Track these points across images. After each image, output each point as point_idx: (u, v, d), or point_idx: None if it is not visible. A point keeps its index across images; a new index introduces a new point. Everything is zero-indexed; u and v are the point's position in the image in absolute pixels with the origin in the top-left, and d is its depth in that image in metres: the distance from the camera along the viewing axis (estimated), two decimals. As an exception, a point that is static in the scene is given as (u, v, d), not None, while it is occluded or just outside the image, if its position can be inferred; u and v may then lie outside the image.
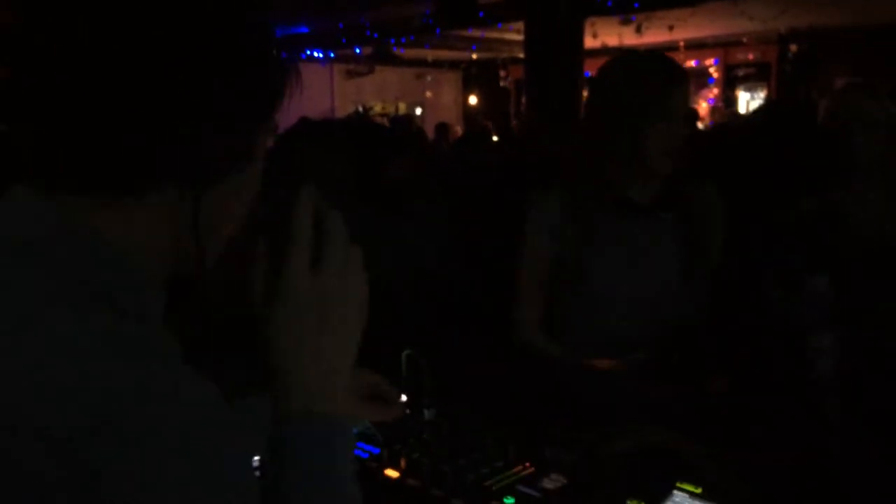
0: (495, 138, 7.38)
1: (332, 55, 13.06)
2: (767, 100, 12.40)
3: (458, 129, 11.07)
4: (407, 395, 1.54)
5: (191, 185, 0.69)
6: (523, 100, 9.33)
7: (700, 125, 9.19)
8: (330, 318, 0.75)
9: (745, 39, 12.85)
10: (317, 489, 0.72)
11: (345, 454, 0.76)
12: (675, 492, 1.15)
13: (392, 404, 1.19)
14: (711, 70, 13.97)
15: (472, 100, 16.89)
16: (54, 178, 0.67)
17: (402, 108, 16.24)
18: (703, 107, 13.49)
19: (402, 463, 1.29)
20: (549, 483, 1.22)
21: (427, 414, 1.48)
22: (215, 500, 0.62)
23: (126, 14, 0.65)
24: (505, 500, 1.17)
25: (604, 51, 12.04)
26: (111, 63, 0.64)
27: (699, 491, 1.14)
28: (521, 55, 7.78)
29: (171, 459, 0.59)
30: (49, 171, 0.68)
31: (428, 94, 16.87)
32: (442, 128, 9.78)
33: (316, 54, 12.60)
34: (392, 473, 1.27)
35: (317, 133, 2.56)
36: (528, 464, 1.28)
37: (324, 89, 15.27)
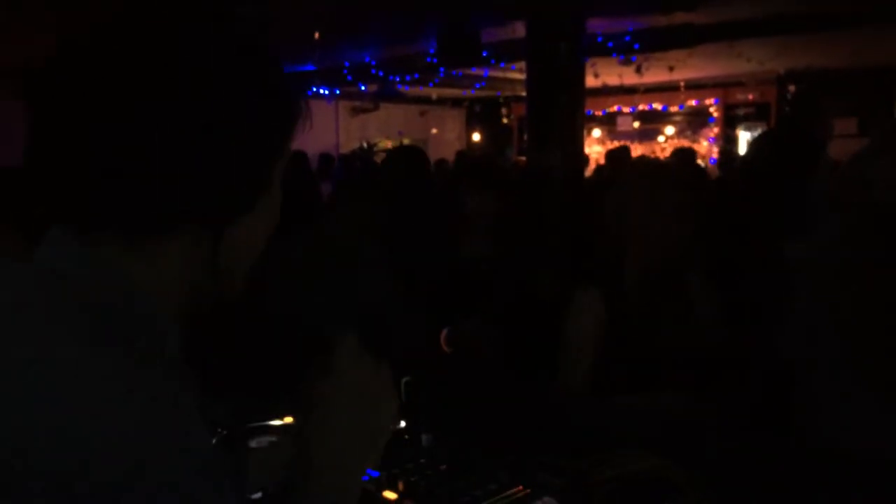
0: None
1: (337, 92, 13.25)
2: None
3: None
4: (405, 421, 1.60)
5: (211, 225, 0.74)
6: (525, 137, 9.45)
7: (700, 162, 9.31)
8: (360, 426, 0.84)
9: (744, 80, 13.02)
10: None
11: None
12: (660, 513, 1.20)
13: None
14: (712, 109, 14.14)
15: (476, 136, 17.08)
16: (85, 220, 0.72)
17: (407, 143, 16.43)
18: (703, 145, 13.65)
19: (400, 485, 1.34)
20: (541, 505, 1.27)
21: (425, 440, 1.53)
22: None
23: (145, 60, 0.69)
24: (497, 521, 1.22)
25: (605, 90, 12.25)
26: (133, 112, 0.68)
27: (683, 512, 1.20)
28: (524, 93, 7.90)
29: None
30: (79, 214, 0.72)
31: (432, 130, 17.06)
32: (441, 164, 9.90)
33: (322, 91, 12.78)
34: (390, 495, 1.33)
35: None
36: (520, 486, 1.33)
37: (329, 125, 15.47)
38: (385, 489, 1.33)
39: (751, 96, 13.55)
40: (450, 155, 12.92)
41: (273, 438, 1.54)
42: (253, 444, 1.51)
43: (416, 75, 11.02)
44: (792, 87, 12.08)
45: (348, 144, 15.11)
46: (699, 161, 9.40)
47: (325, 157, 8.78)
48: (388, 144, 16.11)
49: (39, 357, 0.63)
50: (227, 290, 0.80)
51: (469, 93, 14.46)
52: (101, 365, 0.63)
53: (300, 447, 0.83)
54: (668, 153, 13.06)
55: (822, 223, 1.73)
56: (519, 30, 7.60)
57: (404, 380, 1.61)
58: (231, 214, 0.75)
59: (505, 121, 16.04)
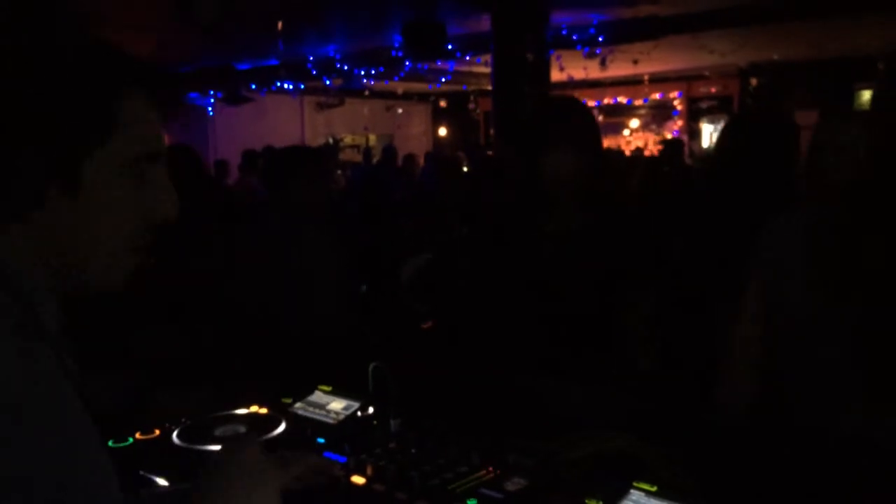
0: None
1: (301, 87, 13.13)
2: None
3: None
4: (374, 407, 1.58)
5: (10, 210, 0.77)
6: (492, 131, 9.45)
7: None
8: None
9: (707, 73, 13.18)
10: None
11: None
12: (633, 491, 1.19)
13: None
14: (675, 102, 14.29)
15: (442, 131, 17.06)
16: None
17: (373, 139, 16.34)
18: (668, 138, 13.80)
19: (369, 470, 1.31)
20: (511, 486, 1.25)
21: (393, 424, 1.51)
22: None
23: None
24: (468, 502, 1.20)
25: (570, 83, 12.30)
26: None
27: (655, 489, 1.19)
28: (490, 87, 7.90)
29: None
30: None
31: (398, 125, 17.00)
32: (408, 158, 9.89)
33: (286, 86, 12.66)
34: (358, 480, 1.30)
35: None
36: (490, 468, 1.31)
37: (294, 121, 15.34)
38: (353, 474, 1.31)
39: (713, 89, 13.72)
40: (416, 149, 12.87)
41: (238, 427, 1.51)
42: (218, 432, 1.47)
43: (382, 69, 10.96)
44: (754, 80, 12.26)
45: (314, 140, 15.00)
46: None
47: (248, 154, 8.72)
48: (354, 140, 16.05)
49: None
50: (96, 275, 0.84)
51: (435, 87, 14.44)
52: None
53: None
54: (632, 146, 13.22)
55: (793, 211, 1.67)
56: (485, 23, 7.59)
57: (373, 365, 1.59)
58: (28, 202, 0.77)
59: (471, 115, 16.06)
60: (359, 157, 13.84)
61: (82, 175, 0.78)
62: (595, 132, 2.14)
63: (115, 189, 0.82)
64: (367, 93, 14.75)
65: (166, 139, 0.93)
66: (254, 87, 12.53)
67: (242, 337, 2.39)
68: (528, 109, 2.35)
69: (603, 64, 9.72)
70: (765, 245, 1.54)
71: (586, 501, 1.18)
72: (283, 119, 14.77)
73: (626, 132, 14.58)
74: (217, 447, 1.41)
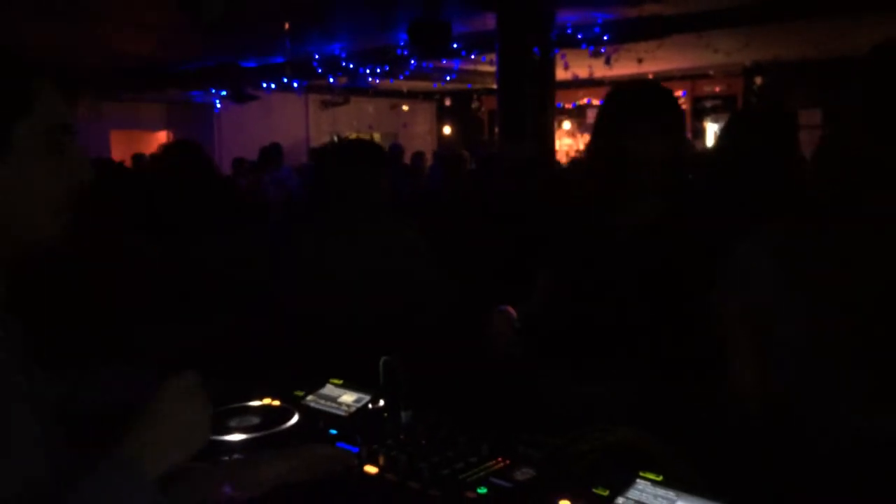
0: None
1: (306, 84, 13.16)
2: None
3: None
4: (384, 399, 1.61)
5: None
6: (496, 129, 9.47)
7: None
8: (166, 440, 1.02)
9: (711, 72, 13.18)
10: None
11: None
12: (638, 480, 1.22)
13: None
14: (680, 101, 14.27)
15: (447, 129, 17.08)
16: None
17: (378, 137, 16.36)
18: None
19: (381, 460, 1.35)
20: (520, 475, 1.29)
21: (404, 416, 1.54)
22: None
23: None
24: (478, 491, 1.23)
25: (575, 82, 12.32)
26: None
27: (660, 479, 1.22)
28: (494, 86, 7.92)
29: None
30: None
31: (403, 124, 17.02)
32: (418, 156, 9.94)
33: (292, 84, 12.69)
34: (371, 469, 1.33)
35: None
36: (500, 459, 1.34)
37: (299, 118, 15.37)
38: (366, 464, 1.34)
39: (718, 88, 13.71)
40: (421, 147, 12.88)
41: (252, 418, 1.54)
42: (232, 423, 1.51)
43: (387, 67, 10.99)
44: (758, 79, 12.25)
45: (318, 138, 15.02)
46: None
47: (265, 150, 8.79)
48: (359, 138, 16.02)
49: None
50: (24, 237, 1.00)
51: (440, 85, 14.45)
52: None
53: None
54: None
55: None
56: (490, 22, 7.62)
57: (383, 359, 1.62)
58: None
59: (476, 114, 16.06)
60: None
61: (12, 142, 0.96)
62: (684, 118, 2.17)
63: (41, 154, 0.99)
64: (371, 91, 14.78)
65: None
66: (263, 85, 12.57)
67: (273, 332, 2.39)
68: (608, 95, 2.18)
69: (608, 63, 9.73)
70: (764, 245, 1.56)
71: (593, 490, 1.22)
72: (288, 117, 14.81)
73: (630, 131, 14.55)
74: (231, 437, 1.45)
